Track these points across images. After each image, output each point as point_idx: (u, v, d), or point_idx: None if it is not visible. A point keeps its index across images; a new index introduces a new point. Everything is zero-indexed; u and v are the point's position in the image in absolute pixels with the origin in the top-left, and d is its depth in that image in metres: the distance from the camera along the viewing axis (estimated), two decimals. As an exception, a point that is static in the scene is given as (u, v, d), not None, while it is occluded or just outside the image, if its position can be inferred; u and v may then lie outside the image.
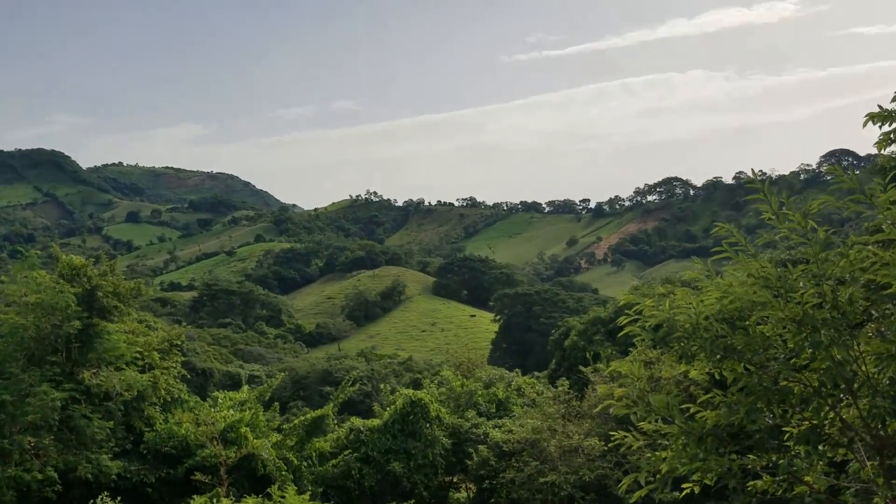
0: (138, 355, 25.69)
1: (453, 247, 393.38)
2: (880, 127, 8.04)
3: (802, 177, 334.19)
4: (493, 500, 26.73)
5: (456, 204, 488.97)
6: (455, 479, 29.59)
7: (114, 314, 25.70)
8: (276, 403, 31.52)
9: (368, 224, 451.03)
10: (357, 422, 28.68)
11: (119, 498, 13.66)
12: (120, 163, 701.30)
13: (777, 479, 8.40)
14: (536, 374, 63.56)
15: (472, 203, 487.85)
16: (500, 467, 25.92)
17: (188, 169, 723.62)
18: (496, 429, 28.50)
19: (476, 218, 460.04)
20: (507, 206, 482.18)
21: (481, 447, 26.92)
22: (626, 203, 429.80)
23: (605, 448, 23.65)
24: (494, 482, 26.01)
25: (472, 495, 29.09)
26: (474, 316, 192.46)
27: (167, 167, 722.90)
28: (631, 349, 26.52)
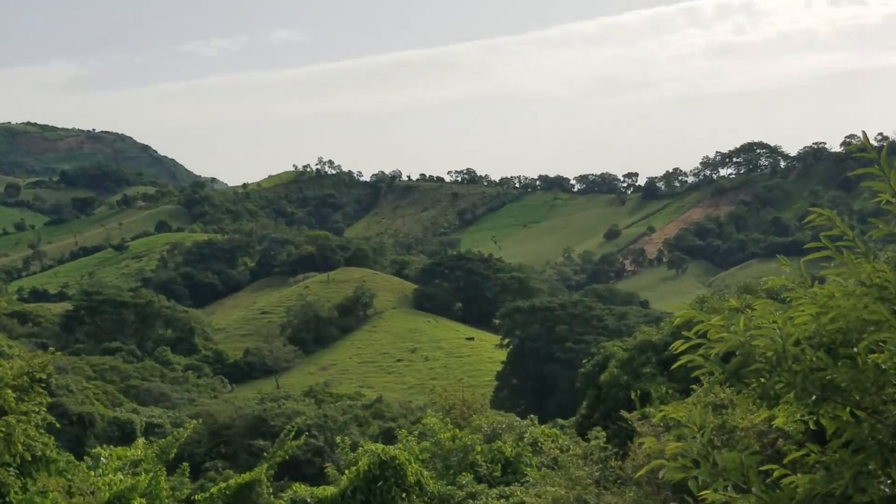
0: (-15, 395, 25.63)
1: (443, 240, 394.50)
2: None
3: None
4: None
5: (447, 179, 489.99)
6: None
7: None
8: (186, 464, 31.48)
9: (321, 207, 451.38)
10: (302, 490, 28.69)
11: None
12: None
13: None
14: (560, 421, 63.78)
15: (471, 178, 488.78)
16: (507, 556, 26.05)
17: (60, 126, 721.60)
18: (502, 500, 28.60)
19: (475, 199, 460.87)
20: (519, 182, 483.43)
21: (480, 527, 27.02)
22: (690, 179, 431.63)
23: (657, 528, 23.86)
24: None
25: None
26: (472, 339, 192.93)
27: (28, 123, 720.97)
28: (695, 387, 26.69)
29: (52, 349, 36.70)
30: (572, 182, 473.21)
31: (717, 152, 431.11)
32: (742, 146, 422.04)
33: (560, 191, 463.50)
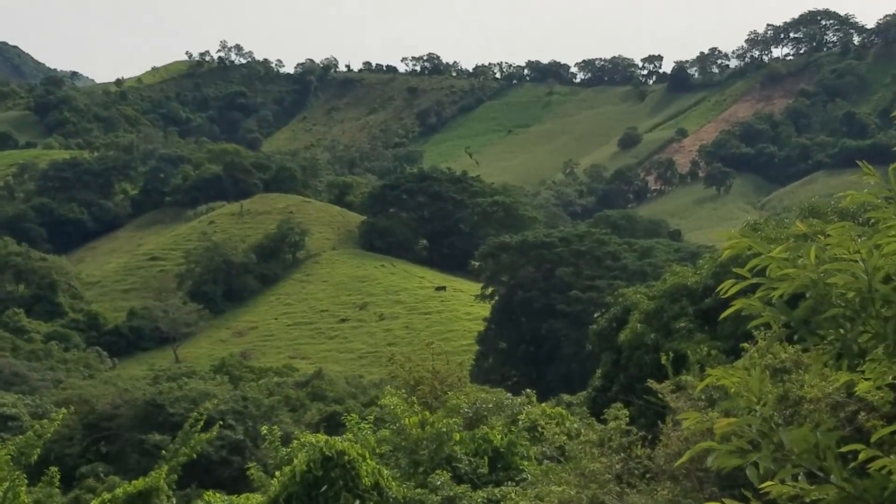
0: None
1: (398, 153, 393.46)
2: None
3: None
4: None
5: (402, 69, 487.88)
6: None
7: None
8: (55, 469, 31.64)
9: (227, 110, 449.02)
10: (218, 500, 28.98)
11: None
12: None
13: None
14: (566, 398, 64.40)
15: (434, 67, 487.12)
16: (499, 579, 26.54)
17: None
18: (489, 505, 29.04)
19: (441, 96, 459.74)
20: (500, 71, 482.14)
21: (461, 542, 27.47)
22: (732, 64, 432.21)
23: (699, 535, 24.42)
24: None
25: None
26: (443, 289, 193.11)
27: None
28: (746, 345, 27.13)
29: None
30: (573, 70, 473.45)
31: (767, 25, 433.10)
32: (802, 16, 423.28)
33: (557, 82, 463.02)
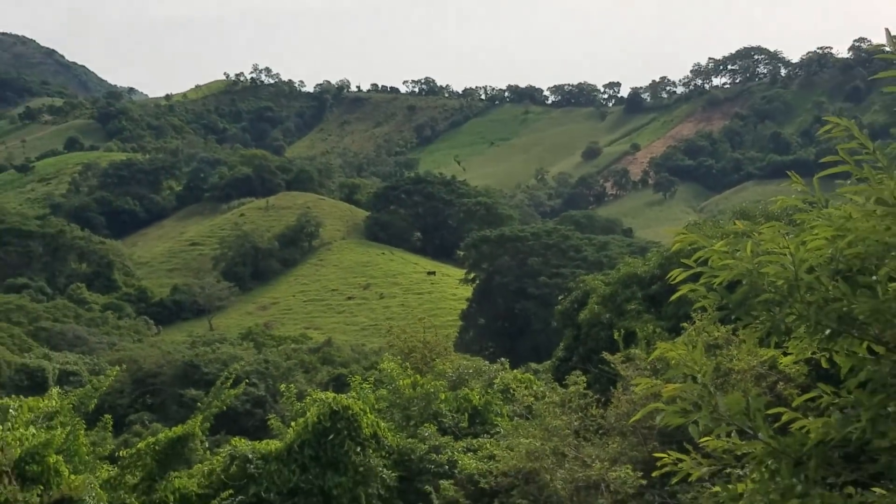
0: None
1: (399, 160, 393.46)
2: None
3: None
4: (465, 567, 27.25)
5: (403, 90, 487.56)
6: (404, 536, 30.06)
7: None
8: (108, 417, 31.47)
9: (257, 122, 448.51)
10: (243, 445, 28.82)
11: None
12: None
13: (921, 526, 8.69)
14: (534, 366, 64.36)
15: (430, 89, 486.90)
16: (476, 515, 26.39)
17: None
18: (469, 454, 28.89)
19: (435, 113, 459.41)
20: (485, 93, 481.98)
21: (445, 483, 27.30)
22: (679, 90, 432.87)
23: (644, 482, 24.24)
24: (468, 539, 26.50)
25: (429, 560, 29.59)
26: (433, 273, 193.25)
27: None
28: (685, 325, 27.03)
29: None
30: (546, 93, 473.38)
31: (709, 59, 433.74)
32: (737, 52, 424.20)
33: (532, 103, 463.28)
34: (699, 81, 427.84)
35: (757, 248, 8.38)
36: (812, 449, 8.49)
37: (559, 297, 72.13)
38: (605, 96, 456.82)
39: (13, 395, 32.55)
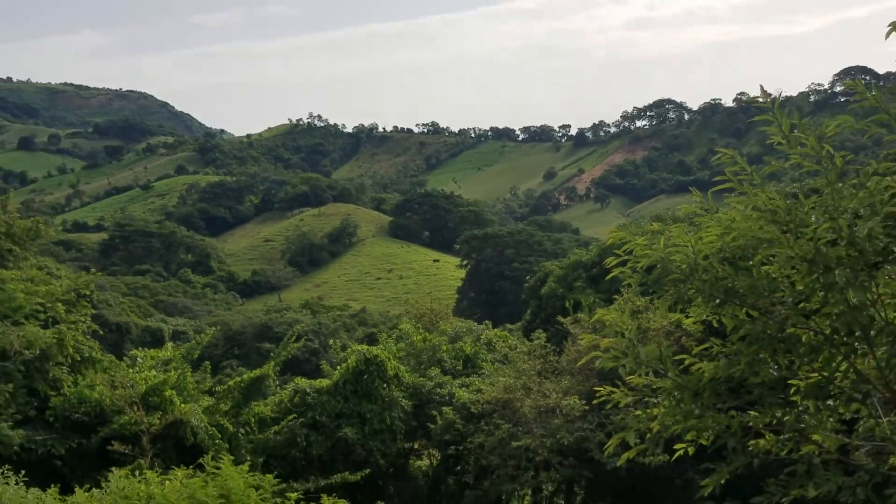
0: (39, 307, 25.34)
1: (413, 181, 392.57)
2: (905, 38, 8.12)
3: (813, 98, 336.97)
4: (459, 467, 27.23)
5: (415, 130, 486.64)
6: (416, 446, 30.05)
7: (8, 259, 25.30)
8: (207, 363, 31.49)
9: (312, 154, 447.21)
10: (302, 382, 28.83)
11: (23, 471, 13.59)
12: (9, 78, 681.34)
13: (782, 437, 8.66)
14: (509, 326, 64.31)
15: (435, 129, 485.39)
16: (468, 431, 26.33)
17: (92, 86, 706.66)
18: (463, 388, 28.86)
19: (439, 147, 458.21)
20: (474, 133, 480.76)
21: (446, 409, 27.29)
22: (612, 130, 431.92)
23: (587, 408, 24.19)
24: (461, 448, 26.44)
25: (435, 463, 29.59)
26: (437, 261, 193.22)
27: (66, 84, 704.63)
28: (616, 297, 26.94)
29: (93, 270, 36.34)
30: (517, 133, 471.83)
31: (633, 107, 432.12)
32: (654, 102, 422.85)
33: (507, 140, 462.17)
34: (626, 124, 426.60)
35: (667, 242, 8.39)
36: (706, 384, 8.50)
37: (527, 278, 72.17)
38: (560, 134, 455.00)
39: (139, 348, 32.55)
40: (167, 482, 11.56)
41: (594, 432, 24.11)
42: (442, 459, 28.40)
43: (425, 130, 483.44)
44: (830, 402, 8.78)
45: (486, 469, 25.61)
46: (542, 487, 27.13)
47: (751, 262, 8.23)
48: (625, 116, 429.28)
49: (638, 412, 9.03)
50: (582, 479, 26.04)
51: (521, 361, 27.96)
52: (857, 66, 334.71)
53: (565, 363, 27.21)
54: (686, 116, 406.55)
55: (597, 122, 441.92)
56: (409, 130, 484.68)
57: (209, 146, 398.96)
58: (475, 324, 45.21)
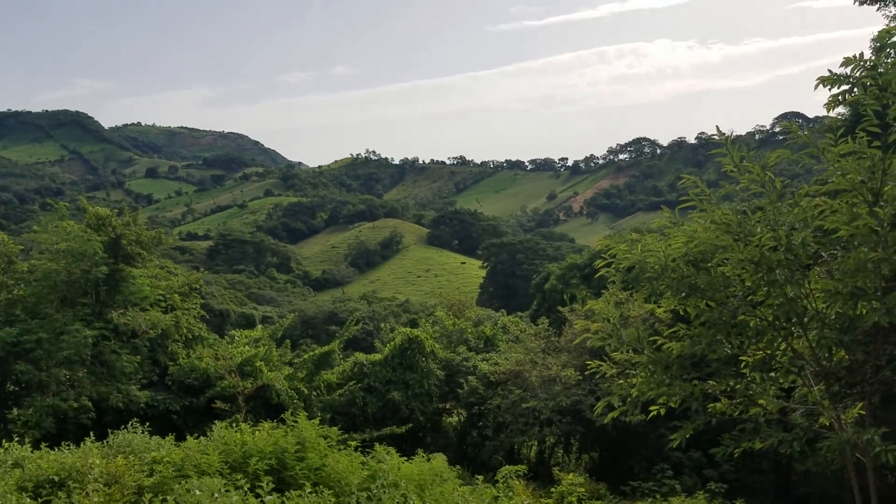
0: (161, 297, 25.69)
1: (445, 201, 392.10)
2: (829, 90, 8.02)
3: (757, 137, 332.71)
4: (480, 423, 27.17)
5: (447, 162, 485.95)
6: (448, 406, 29.99)
7: (137, 260, 25.64)
8: (288, 341, 31.66)
9: (368, 180, 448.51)
10: (360, 356, 28.90)
11: (147, 423, 13.80)
12: (138, 123, 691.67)
13: (734, 401, 8.57)
14: (520, 314, 64.07)
15: (462, 161, 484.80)
16: (488, 395, 26.29)
17: (201, 129, 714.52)
18: (484, 362, 28.80)
19: (465, 175, 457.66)
20: (493, 164, 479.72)
21: (471, 378, 27.25)
22: (600, 161, 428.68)
23: (580, 377, 24.02)
24: (482, 408, 26.42)
25: (462, 419, 29.53)
26: (464, 263, 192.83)
27: (182, 127, 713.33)
28: (603, 291, 26.68)
29: (201, 270, 36.72)
30: (526, 163, 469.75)
31: (617, 144, 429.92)
32: (633, 140, 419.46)
33: (518, 170, 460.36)
34: (611, 157, 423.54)
35: (644, 248, 8.33)
36: (674, 359, 8.42)
37: (534, 276, 71.85)
38: (559, 165, 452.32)
39: (237, 329, 32.80)
40: (257, 432, 11.66)
41: (586, 397, 23.94)
42: (468, 417, 28.34)
43: (455, 162, 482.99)
44: (773, 374, 8.67)
45: (502, 425, 25.53)
46: (545, 440, 26.98)
47: (709, 264, 8.15)
48: (610, 151, 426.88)
49: (621, 381, 8.96)
50: (577, 433, 25.84)
51: (529, 341, 27.86)
52: (792, 112, 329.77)
53: (563, 343, 27.05)
54: (658, 151, 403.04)
55: (588, 156, 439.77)
56: (443, 162, 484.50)
57: (290, 175, 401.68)
58: (493, 312, 45.15)
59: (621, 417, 9.06)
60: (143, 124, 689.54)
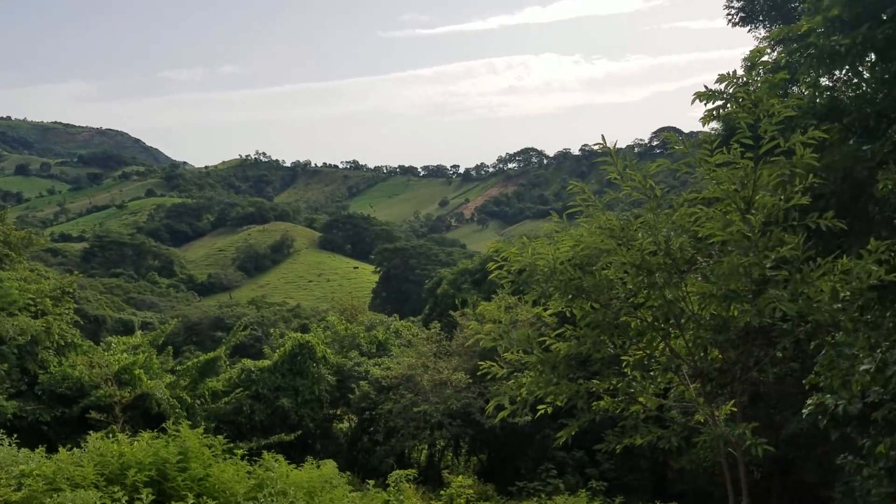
0: (31, 302, 23.99)
1: (338, 205, 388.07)
2: (705, 105, 8.52)
3: (637, 150, 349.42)
4: (371, 428, 26.99)
5: (340, 166, 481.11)
6: (339, 412, 29.64)
7: (5, 262, 23.86)
8: (170, 348, 30.34)
9: (258, 182, 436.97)
10: (248, 363, 28.08)
11: (15, 435, 12.82)
12: (8, 117, 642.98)
13: (616, 399, 8.90)
14: (412, 318, 64.18)
15: (356, 166, 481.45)
16: (380, 400, 26.17)
17: (77, 125, 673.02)
18: (376, 366, 28.65)
19: (359, 179, 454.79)
20: (386, 169, 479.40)
21: (362, 383, 27.04)
22: (490, 169, 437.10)
23: (471, 381, 24.33)
24: (374, 413, 26.25)
25: (353, 425, 29.25)
26: (357, 268, 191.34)
27: (56, 122, 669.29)
28: (493, 296, 27.16)
29: (75, 273, 34.60)
30: (419, 170, 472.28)
31: (506, 153, 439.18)
32: (521, 150, 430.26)
33: (411, 175, 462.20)
34: (501, 165, 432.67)
35: (533, 252, 8.52)
36: (561, 359, 8.65)
37: (426, 281, 72.27)
38: (451, 172, 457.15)
39: (114, 336, 31.08)
40: (136, 443, 11.08)
41: (476, 400, 24.27)
42: (359, 422, 28.10)
43: (348, 166, 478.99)
44: (652, 372, 9.07)
45: (394, 429, 25.46)
46: (436, 443, 27.15)
47: (594, 267, 8.43)
48: (500, 160, 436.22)
49: (511, 382, 9.11)
50: (466, 436, 26.16)
51: (421, 345, 27.99)
52: (670, 126, 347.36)
53: (455, 347, 27.33)
54: (545, 161, 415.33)
55: (479, 164, 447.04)
56: (335, 166, 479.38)
57: (174, 175, 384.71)
58: (386, 317, 45.03)
59: (510, 419, 9.22)
60: (13, 118, 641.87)
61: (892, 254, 8.32)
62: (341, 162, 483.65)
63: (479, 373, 10.19)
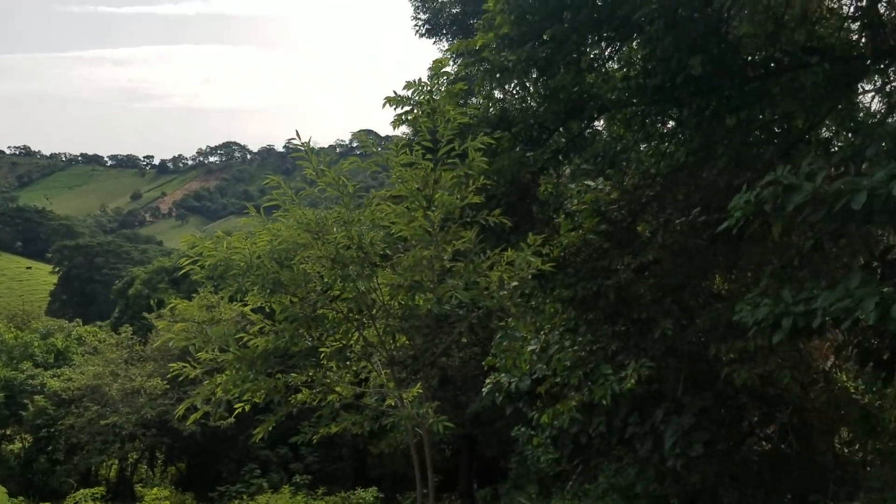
0: None
1: (5, 196, 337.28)
2: (395, 109, 9.15)
3: (338, 150, 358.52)
4: (50, 447, 24.20)
5: (7, 152, 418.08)
6: (9, 432, 26.04)
7: None
8: None
9: None
10: None
11: None
12: None
13: (314, 391, 9.14)
14: (99, 323, 58.68)
15: (27, 152, 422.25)
16: (59, 415, 23.56)
17: None
18: (55, 378, 25.71)
19: (31, 167, 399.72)
20: (66, 157, 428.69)
21: (38, 398, 24.10)
22: (190, 162, 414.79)
23: (168, 387, 23.07)
24: (53, 430, 23.56)
25: (28, 445, 25.93)
26: (30, 268, 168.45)
27: None
28: (194, 295, 26.00)
29: None
30: (106, 159, 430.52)
31: (207, 146, 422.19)
32: (223, 143, 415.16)
33: (97, 165, 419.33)
34: (201, 158, 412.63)
35: (229, 246, 8.39)
36: (260, 355, 8.63)
37: (116, 282, 66.38)
38: (144, 163, 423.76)
39: None
40: None
41: (174, 406, 23.04)
42: (34, 442, 24.99)
43: (17, 152, 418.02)
44: (348, 362, 9.47)
45: (77, 446, 23.14)
46: (127, 456, 25.23)
47: (292, 261, 8.57)
48: (200, 152, 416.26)
49: (207, 382, 8.86)
50: (163, 445, 24.74)
51: (110, 352, 25.85)
52: (368, 129, 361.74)
53: (150, 351, 25.68)
54: (248, 156, 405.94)
55: (177, 155, 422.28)
56: (1, 151, 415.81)
57: None
58: (67, 322, 40.60)
59: (210, 423, 9.00)
60: None
61: (549, 247, 9.71)
62: (8, 147, 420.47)
63: (168, 375, 9.76)
